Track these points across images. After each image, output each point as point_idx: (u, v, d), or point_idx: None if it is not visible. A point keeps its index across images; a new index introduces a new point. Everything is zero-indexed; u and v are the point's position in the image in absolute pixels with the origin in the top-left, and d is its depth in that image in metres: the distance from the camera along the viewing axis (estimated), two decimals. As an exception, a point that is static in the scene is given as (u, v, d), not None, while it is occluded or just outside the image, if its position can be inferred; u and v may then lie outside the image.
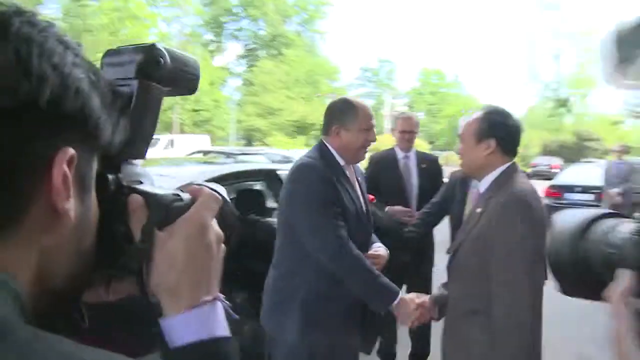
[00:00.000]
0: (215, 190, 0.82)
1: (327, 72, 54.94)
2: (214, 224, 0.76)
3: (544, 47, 58.03)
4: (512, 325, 2.09)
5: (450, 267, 2.47)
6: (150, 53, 0.77)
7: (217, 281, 0.75)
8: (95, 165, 0.67)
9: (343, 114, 2.67)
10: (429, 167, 4.46)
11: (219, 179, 4.02)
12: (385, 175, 4.33)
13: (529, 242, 2.10)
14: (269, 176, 4.71)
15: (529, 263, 2.11)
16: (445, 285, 2.57)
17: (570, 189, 12.57)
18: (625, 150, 10.85)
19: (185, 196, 0.76)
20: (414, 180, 4.37)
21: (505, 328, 2.09)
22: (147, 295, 0.72)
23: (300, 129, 50.01)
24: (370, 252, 2.71)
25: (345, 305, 2.57)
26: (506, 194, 2.22)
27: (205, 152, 21.67)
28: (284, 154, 17.69)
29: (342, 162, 2.66)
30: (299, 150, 28.08)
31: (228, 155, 7.58)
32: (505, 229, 2.14)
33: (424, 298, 2.55)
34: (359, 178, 2.85)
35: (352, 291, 2.51)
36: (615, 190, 9.99)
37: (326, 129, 2.70)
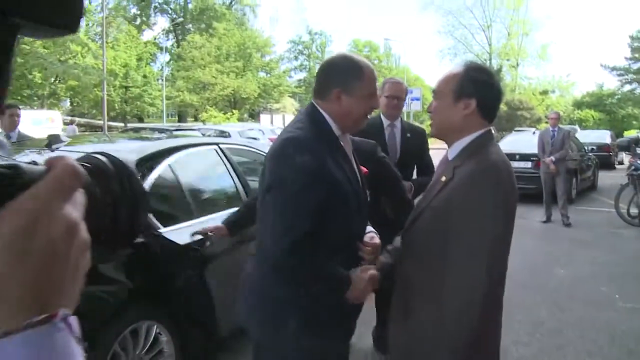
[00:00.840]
0: (92, 161, 0.65)
1: (259, 46, 54.19)
2: (66, 211, 0.54)
3: (473, 20, 59.20)
4: (465, 300, 1.89)
5: (405, 238, 2.22)
6: None
7: (67, 292, 0.54)
8: None
9: (346, 75, 2.19)
10: (414, 138, 4.17)
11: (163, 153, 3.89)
12: None
13: (496, 216, 1.93)
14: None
15: (494, 238, 1.92)
16: (392, 250, 2.35)
17: (511, 157, 12.79)
18: (560, 117, 11.05)
19: (35, 170, 0.56)
20: (397, 150, 4.10)
21: (458, 303, 1.90)
22: None
23: (233, 103, 49.40)
24: (366, 240, 2.34)
25: (340, 301, 2.20)
26: (476, 163, 1.98)
27: (137, 129, 21.16)
28: (220, 128, 17.53)
29: (337, 132, 2.23)
30: (234, 124, 27.79)
31: (161, 131, 7.35)
32: (473, 200, 1.92)
33: (371, 271, 2.18)
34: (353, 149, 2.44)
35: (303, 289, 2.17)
36: (550, 158, 10.28)
37: (322, 92, 2.23)
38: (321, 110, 2.22)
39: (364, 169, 2.46)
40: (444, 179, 2.06)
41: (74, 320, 0.52)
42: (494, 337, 2.11)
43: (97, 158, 0.74)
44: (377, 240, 2.37)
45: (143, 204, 0.76)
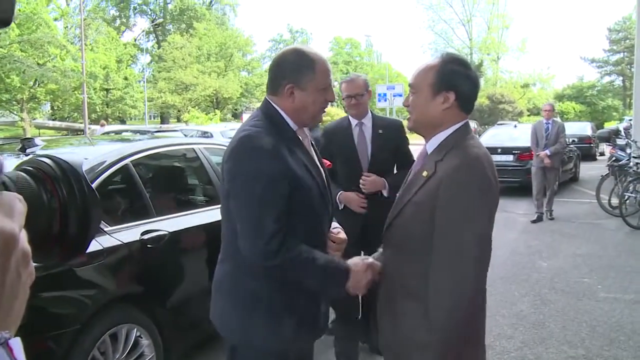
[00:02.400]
0: (37, 164, 0.63)
1: (240, 45, 53.96)
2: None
3: (453, 14, 59.55)
4: (455, 299, 1.86)
5: (386, 235, 2.17)
6: None
7: (6, 309, 0.50)
8: None
9: (298, 69, 2.13)
10: (388, 132, 3.96)
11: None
12: (338, 146, 3.94)
13: (481, 210, 1.90)
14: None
15: (480, 233, 1.89)
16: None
17: (493, 150, 12.13)
18: (554, 109, 10.60)
19: None
20: (368, 149, 3.92)
21: (448, 301, 1.86)
22: None
23: (216, 103, 49.20)
24: (332, 235, 2.32)
25: (314, 296, 2.20)
26: (459, 157, 1.93)
27: (118, 132, 21.00)
28: (202, 129, 17.46)
29: (294, 127, 2.18)
30: (216, 124, 27.66)
31: (143, 133, 7.30)
32: (459, 196, 1.88)
33: (369, 259, 2.19)
34: (313, 142, 2.37)
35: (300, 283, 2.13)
36: (545, 152, 9.82)
37: (275, 87, 2.17)
38: (275, 106, 2.17)
39: (327, 162, 2.40)
40: (425, 174, 2.00)
41: (16, 344, 0.47)
42: (482, 328, 2.10)
43: (42, 162, 0.70)
44: (342, 235, 2.33)
45: (94, 208, 0.73)
